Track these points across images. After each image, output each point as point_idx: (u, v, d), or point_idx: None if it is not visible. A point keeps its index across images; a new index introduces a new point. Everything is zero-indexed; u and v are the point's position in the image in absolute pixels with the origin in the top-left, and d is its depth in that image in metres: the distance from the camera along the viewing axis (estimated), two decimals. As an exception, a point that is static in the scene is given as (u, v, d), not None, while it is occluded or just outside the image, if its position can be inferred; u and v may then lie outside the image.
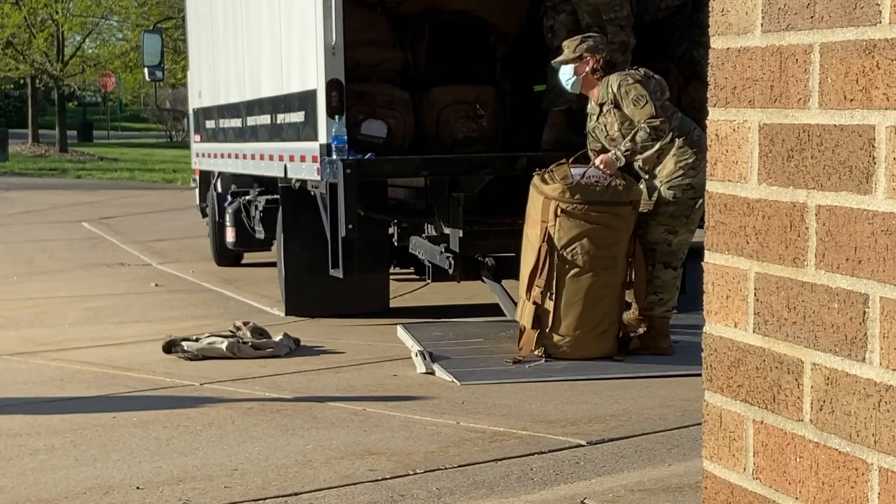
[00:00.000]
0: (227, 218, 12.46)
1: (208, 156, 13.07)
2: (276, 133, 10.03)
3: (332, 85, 8.55)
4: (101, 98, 61.50)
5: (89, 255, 14.92)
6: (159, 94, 36.43)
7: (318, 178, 8.70)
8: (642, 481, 4.96)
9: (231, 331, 8.33)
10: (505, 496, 4.79)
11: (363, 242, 8.90)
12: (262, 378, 7.27)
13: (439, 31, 9.52)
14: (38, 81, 45.86)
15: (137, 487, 4.98)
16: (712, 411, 2.12)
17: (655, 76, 7.59)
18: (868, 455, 1.79)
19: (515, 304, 9.02)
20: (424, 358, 7.39)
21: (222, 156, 12.23)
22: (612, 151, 7.46)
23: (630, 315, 7.70)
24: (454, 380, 6.99)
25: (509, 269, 9.52)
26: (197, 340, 8.03)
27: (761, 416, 2.00)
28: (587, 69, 7.61)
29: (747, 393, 2.02)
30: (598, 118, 7.65)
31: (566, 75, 7.70)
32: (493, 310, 9.22)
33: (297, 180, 9.56)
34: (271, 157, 10.09)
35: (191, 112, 14.26)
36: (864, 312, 1.78)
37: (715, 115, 2.08)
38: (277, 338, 8.14)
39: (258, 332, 8.27)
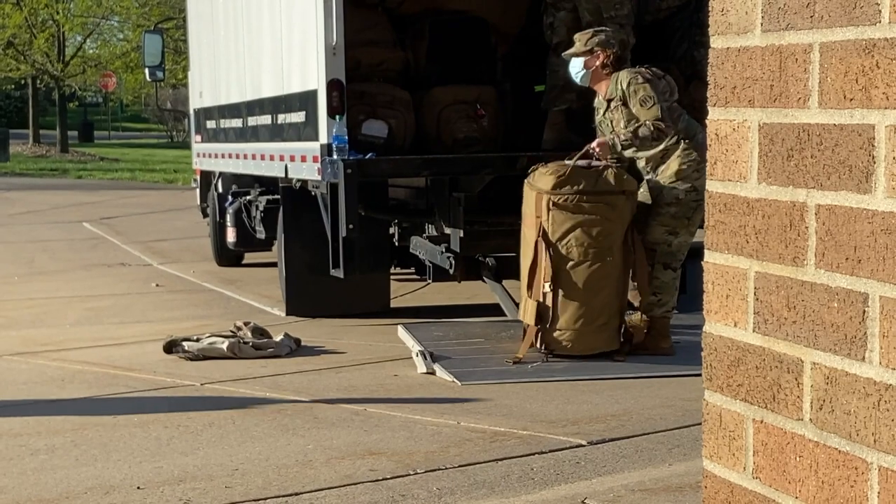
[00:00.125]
0: (228, 218, 12.46)
1: (209, 156, 13.07)
2: (276, 133, 10.03)
3: (332, 85, 8.55)
4: (101, 98, 61.52)
5: (90, 256, 14.93)
6: (160, 95, 36.43)
7: (319, 178, 8.70)
8: (643, 481, 4.96)
9: (232, 331, 8.33)
10: (505, 496, 4.79)
11: (364, 242, 8.90)
12: (262, 378, 7.27)
13: (440, 31, 9.52)
14: (38, 82, 45.88)
15: (138, 487, 4.98)
16: (712, 411, 2.12)
17: (666, 77, 7.58)
18: (868, 454, 1.79)
19: (516, 304, 9.03)
20: (425, 358, 7.39)
21: (223, 156, 12.23)
22: (610, 136, 7.47)
23: (635, 317, 7.71)
24: (455, 380, 6.99)
25: (510, 269, 9.52)
26: (198, 340, 8.03)
27: (761, 416, 2.00)
28: (597, 63, 7.61)
29: (747, 392, 2.03)
30: (604, 113, 7.65)
31: (576, 68, 7.70)
32: (494, 310, 9.22)
33: (298, 180, 9.56)
34: (272, 158, 10.10)
35: (192, 112, 14.27)
36: (864, 312, 1.78)
37: (715, 115, 2.08)
38: (278, 338, 8.14)
39: (259, 332, 8.28)
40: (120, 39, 46.03)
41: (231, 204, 12.46)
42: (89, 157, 41.20)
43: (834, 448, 1.85)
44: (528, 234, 7.49)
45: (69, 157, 41.53)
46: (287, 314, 9.74)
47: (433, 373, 7.22)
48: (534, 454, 5.38)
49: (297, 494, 4.84)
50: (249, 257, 13.32)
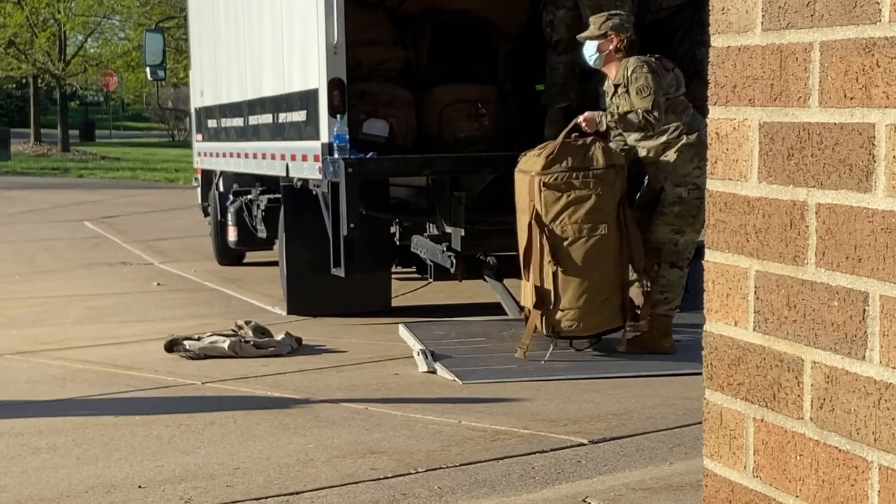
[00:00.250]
0: (229, 217, 12.47)
1: (210, 155, 13.08)
2: (277, 132, 10.04)
3: (333, 84, 8.56)
4: (103, 97, 61.52)
5: (91, 255, 14.93)
6: (161, 94, 36.45)
7: (320, 177, 8.71)
8: (644, 480, 4.96)
9: (233, 330, 8.33)
10: (506, 495, 4.79)
11: (365, 241, 8.90)
12: (263, 377, 7.27)
13: (441, 31, 9.53)
14: (40, 81, 45.89)
15: (139, 486, 4.98)
16: (713, 409, 2.12)
17: (675, 69, 7.57)
18: (868, 453, 1.79)
19: (517, 302, 9.03)
20: (426, 357, 7.39)
21: (224, 155, 12.23)
22: (599, 113, 7.48)
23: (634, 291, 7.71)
24: (456, 379, 6.99)
25: (511, 268, 9.51)
26: (199, 339, 8.04)
27: (762, 415, 2.00)
28: (610, 47, 7.61)
29: (748, 391, 2.03)
30: (611, 97, 7.65)
31: (589, 51, 7.71)
32: (495, 309, 9.22)
33: (299, 179, 9.56)
34: (273, 157, 10.10)
35: (193, 111, 14.27)
36: (864, 310, 1.78)
37: (715, 114, 2.08)
38: (279, 337, 8.14)
39: (260, 331, 8.28)
40: (121, 38, 46.05)
41: (232, 203, 12.46)
42: (90, 156, 41.21)
43: (834, 447, 1.86)
44: (523, 220, 7.51)
45: (70, 156, 41.54)
46: (288, 313, 9.74)
47: (434, 372, 7.22)
48: (535, 453, 5.38)
49: (298, 493, 4.84)
50: (250, 256, 13.33)
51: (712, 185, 2.09)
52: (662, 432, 5.75)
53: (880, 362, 1.76)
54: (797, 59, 1.89)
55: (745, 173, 2.01)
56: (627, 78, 7.45)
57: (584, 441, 5.57)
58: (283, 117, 9.86)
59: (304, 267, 9.65)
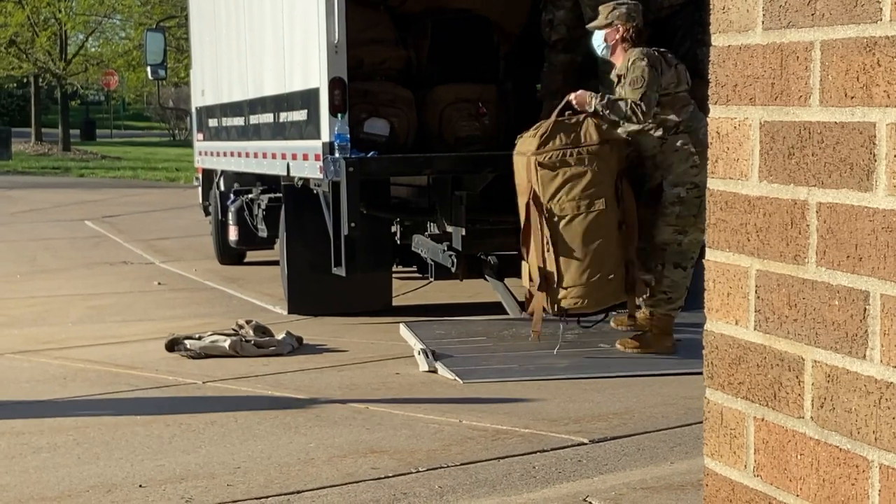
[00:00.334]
0: (230, 216, 12.47)
1: (211, 154, 13.08)
2: (278, 131, 10.04)
3: (334, 83, 8.55)
4: (104, 97, 61.54)
5: (92, 254, 14.93)
6: (162, 93, 36.45)
7: (321, 176, 8.71)
8: (645, 479, 4.96)
9: (234, 329, 8.33)
10: (507, 494, 4.79)
11: (366, 241, 8.90)
12: (264, 376, 7.27)
13: (442, 30, 9.52)
14: (41, 80, 45.89)
15: (140, 485, 4.98)
16: (713, 409, 2.12)
17: (677, 66, 7.53)
18: (869, 452, 1.79)
19: (518, 302, 9.04)
20: (427, 356, 7.39)
21: (225, 154, 12.23)
22: (591, 94, 7.47)
23: (641, 316, 7.71)
24: (457, 378, 6.99)
25: (512, 267, 9.52)
26: (200, 339, 8.04)
27: (762, 414, 2.00)
28: (617, 37, 7.61)
29: (748, 390, 2.03)
30: (616, 88, 7.65)
31: (597, 41, 7.71)
32: (496, 308, 9.22)
33: (300, 179, 9.56)
34: (274, 156, 10.10)
35: (193, 110, 14.27)
36: (865, 309, 1.78)
37: (716, 113, 2.08)
38: (280, 336, 8.14)
39: (261, 330, 8.28)
40: (122, 38, 46.05)
41: (233, 202, 12.46)
42: (91, 156, 41.22)
43: (835, 446, 1.86)
44: (522, 201, 7.54)
45: (71, 155, 41.55)
46: (289, 312, 9.74)
47: (435, 371, 7.22)
48: (536, 452, 5.38)
49: (298, 493, 4.84)
50: (251, 255, 13.33)
51: (713, 183, 2.09)
52: (663, 432, 5.75)
53: (881, 361, 1.76)
54: (798, 58, 1.89)
55: (745, 172, 2.01)
56: (627, 69, 7.46)
57: (585, 440, 5.57)
58: (284, 116, 9.86)
59: (304, 266, 9.65)
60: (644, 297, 7.63)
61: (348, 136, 8.49)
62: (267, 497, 4.80)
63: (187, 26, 15.88)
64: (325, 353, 8.06)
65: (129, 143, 50.70)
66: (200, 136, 13.78)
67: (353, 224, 8.42)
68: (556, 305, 7.42)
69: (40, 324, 9.67)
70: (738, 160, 2.02)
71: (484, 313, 9.21)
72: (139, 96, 52.68)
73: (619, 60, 7.58)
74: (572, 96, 7.49)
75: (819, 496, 1.89)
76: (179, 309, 10.41)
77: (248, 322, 8.44)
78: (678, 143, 7.43)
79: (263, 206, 11.56)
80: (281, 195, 10.35)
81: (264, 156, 10.46)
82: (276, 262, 11.67)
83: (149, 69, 15.82)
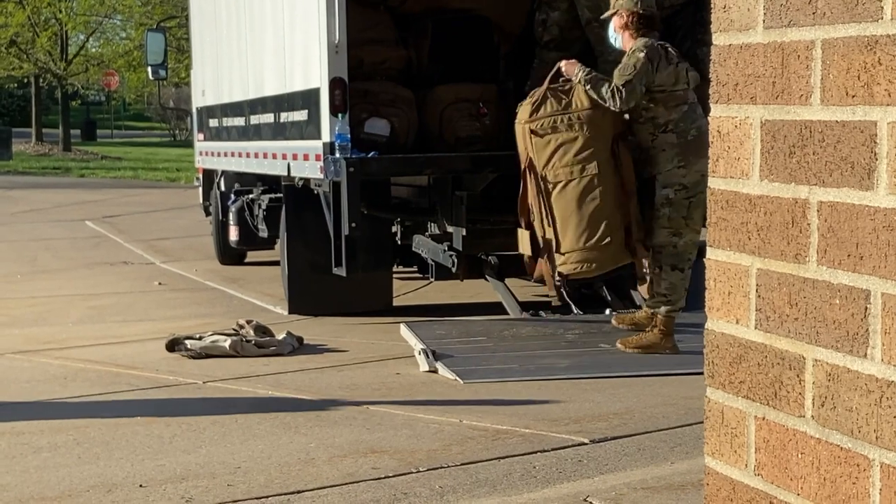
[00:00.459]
0: (231, 216, 12.47)
1: (212, 154, 13.08)
2: (279, 131, 10.04)
3: (335, 83, 8.55)
4: (104, 97, 61.55)
5: (93, 254, 14.94)
6: (163, 93, 36.48)
7: (322, 176, 8.71)
8: (645, 479, 4.96)
9: (234, 329, 8.33)
10: (508, 494, 4.79)
11: (366, 241, 8.90)
12: (265, 376, 7.27)
13: (442, 30, 9.52)
14: (41, 80, 45.90)
15: (140, 485, 4.98)
16: (714, 408, 2.12)
17: (679, 64, 7.49)
18: (870, 451, 1.79)
19: (519, 302, 9.04)
20: (427, 356, 7.39)
21: (226, 154, 12.24)
22: (581, 66, 7.47)
23: (642, 314, 7.71)
24: (457, 378, 6.99)
25: (512, 267, 9.53)
26: (200, 339, 8.04)
27: (763, 413, 2.00)
28: (620, 24, 7.60)
29: (749, 389, 2.02)
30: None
31: (610, 31, 7.71)
32: (497, 308, 9.22)
33: (301, 179, 9.56)
34: (274, 156, 10.10)
35: (194, 111, 14.27)
36: (866, 308, 1.78)
37: (717, 112, 2.08)
38: (280, 336, 8.14)
39: (261, 330, 8.28)
40: (122, 38, 46.06)
41: (233, 202, 12.46)
42: (92, 156, 41.23)
43: (836, 445, 1.85)
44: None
45: (72, 155, 41.56)
46: (289, 312, 9.74)
47: (435, 371, 7.22)
48: (536, 452, 5.37)
49: (299, 492, 4.84)
50: (252, 256, 13.33)
51: (714, 183, 2.09)
52: (664, 431, 5.75)
53: (882, 360, 1.76)
54: (799, 56, 1.89)
55: (746, 171, 2.01)
56: (627, 56, 7.48)
57: (586, 440, 5.56)
58: (284, 116, 9.86)
59: (305, 266, 9.65)
60: (646, 295, 7.65)
61: (349, 136, 8.49)
62: (267, 497, 4.80)
63: (188, 26, 15.89)
64: (326, 353, 8.06)
65: (129, 144, 50.71)
66: (201, 136, 13.79)
67: (353, 224, 8.42)
68: (557, 273, 7.47)
69: (41, 324, 9.67)
70: (739, 159, 2.02)
71: (484, 313, 9.22)
72: (140, 96, 52.71)
73: (627, 48, 7.59)
74: (562, 63, 7.53)
75: (820, 495, 1.89)
76: (180, 309, 10.41)
77: (248, 322, 8.44)
78: (666, 142, 7.42)
79: (264, 207, 11.56)
80: (281, 195, 10.36)
81: (265, 156, 10.46)
82: (276, 263, 11.67)
83: (149, 69, 15.83)
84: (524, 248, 7.64)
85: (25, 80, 48.25)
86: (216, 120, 12.74)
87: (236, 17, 11.40)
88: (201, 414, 6.25)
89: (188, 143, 31.79)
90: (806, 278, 1.89)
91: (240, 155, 11.49)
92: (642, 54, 7.36)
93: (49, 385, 7.13)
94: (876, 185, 1.76)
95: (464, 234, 8.82)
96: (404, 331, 8.32)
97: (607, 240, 7.37)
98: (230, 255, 13.24)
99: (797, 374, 1.92)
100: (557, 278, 7.53)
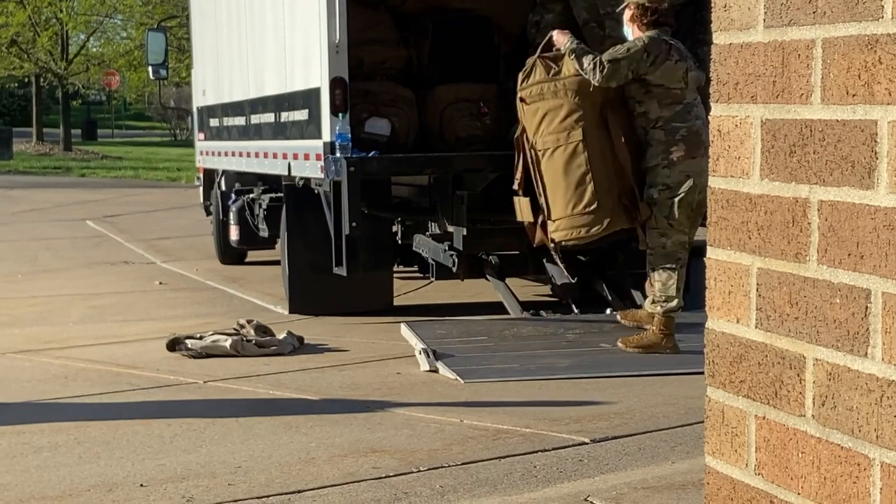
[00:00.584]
0: (231, 216, 12.47)
1: (212, 154, 13.08)
2: (279, 131, 10.04)
3: (335, 83, 8.55)
4: (105, 97, 61.57)
5: (93, 254, 14.94)
6: (163, 93, 36.48)
7: (322, 176, 8.70)
8: (646, 479, 4.95)
9: (235, 329, 8.33)
10: (508, 494, 4.79)
11: (367, 240, 8.90)
12: (265, 376, 7.27)
13: (443, 30, 9.52)
14: (42, 80, 45.92)
15: (141, 485, 4.98)
16: (714, 407, 2.12)
17: (679, 62, 7.46)
18: (870, 450, 1.79)
19: (519, 302, 9.04)
20: (428, 356, 7.39)
21: (226, 154, 12.24)
22: (572, 37, 7.50)
23: (643, 313, 7.71)
24: (458, 377, 6.99)
25: (513, 267, 9.53)
26: (201, 338, 8.04)
27: (763, 412, 2.00)
28: (628, 16, 7.62)
29: (749, 388, 2.02)
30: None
31: (624, 25, 7.73)
32: (497, 308, 9.22)
33: (301, 178, 9.56)
34: (275, 155, 10.10)
35: (195, 110, 14.27)
36: (866, 308, 1.78)
37: (717, 111, 2.08)
38: (281, 336, 8.14)
39: (262, 330, 8.27)
40: (123, 38, 46.08)
41: (234, 202, 12.46)
42: (92, 156, 41.23)
43: (836, 444, 1.85)
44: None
45: (72, 155, 41.56)
46: (290, 312, 9.74)
47: (436, 371, 7.22)
48: (537, 452, 5.37)
49: (299, 492, 4.84)
50: (252, 255, 13.33)
51: (714, 182, 2.09)
52: (664, 431, 5.74)
53: (882, 359, 1.76)
54: (799, 56, 1.89)
55: (747, 170, 2.01)
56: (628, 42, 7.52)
57: (586, 440, 5.56)
58: (285, 116, 9.86)
59: (305, 266, 9.65)
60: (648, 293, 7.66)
61: (349, 135, 8.49)
62: (268, 496, 4.80)
63: (188, 26, 15.90)
64: (327, 352, 8.06)
65: (130, 143, 50.72)
66: (202, 135, 13.79)
67: (354, 224, 8.42)
68: (551, 240, 7.54)
69: (41, 323, 9.67)
70: (740, 158, 2.02)
71: (485, 313, 9.21)
72: (140, 96, 52.71)
73: None
74: (555, 33, 7.57)
75: (820, 494, 1.89)
76: (180, 308, 10.41)
77: (249, 322, 8.44)
78: (654, 138, 7.42)
79: (264, 206, 11.56)
80: (282, 195, 10.36)
81: (265, 155, 10.46)
82: (277, 262, 11.67)
83: (150, 69, 15.83)
84: (524, 215, 7.70)
85: (26, 80, 48.28)
86: (217, 119, 12.74)
87: (237, 17, 11.40)
88: (202, 413, 6.26)
89: (189, 143, 31.80)
90: (806, 277, 1.89)
91: (240, 154, 11.49)
92: (641, 43, 7.38)
93: (50, 385, 7.13)
94: (876, 184, 1.76)
95: (464, 233, 8.82)
96: (405, 330, 8.32)
97: (594, 205, 7.40)
98: (231, 255, 13.24)
99: (798, 373, 1.92)
100: (552, 245, 7.60)
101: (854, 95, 1.79)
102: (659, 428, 5.81)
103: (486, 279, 9.41)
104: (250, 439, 5.70)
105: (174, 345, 7.98)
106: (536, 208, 7.63)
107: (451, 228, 9.05)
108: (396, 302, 9.87)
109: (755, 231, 1.99)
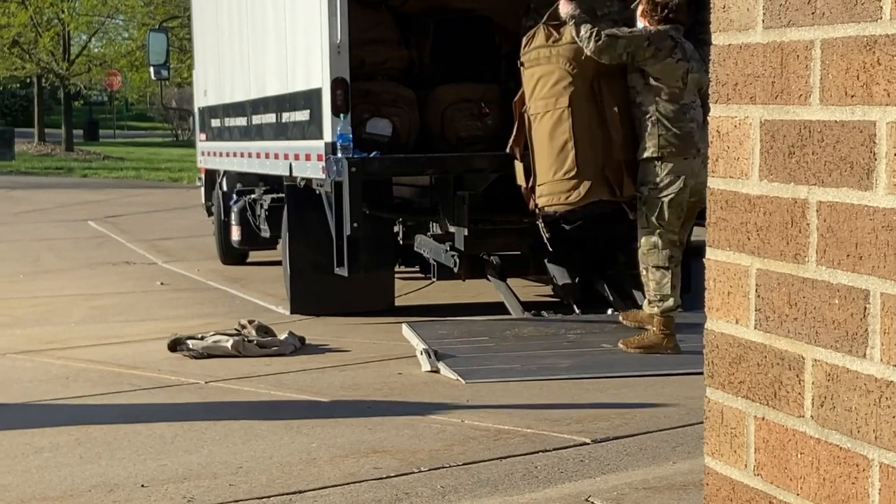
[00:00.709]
0: (233, 216, 12.47)
1: (214, 154, 13.08)
2: (281, 131, 10.04)
3: (337, 83, 8.56)
4: (106, 97, 61.59)
5: (95, 254, 14.94)
6: (165, 93, 36.50)
7: (324, 176, 8.71)
8: (647, 479, 4.96)
9: (236, 329, 8.33)
10: (509, 494, 4.79)
11: (368, 241, 8.89)
12: (267, 376, 7.27)
13: (444, 30, 9.52)
14: (44, 80, 45.94)
15: (142, 485, 4.98)
16: (714, 408, 2.12)
17: (681, 61, 7.44)
18: (869, 451, 1.79)
19: (521, 302, 9.04)
20: (429, 356, 7.39)
21: (228, 154, 12.24)
22: (574, 5, 7.51)
23: (644, 313, 7.71)
24: (459, 378, 6.99)
25: (514, 267, 9.53)
26: (202, 339, 8.04)
27: (762, 413, 2.00)
28: (640, 13, 7.62)
29: (749, 389, 2.03)
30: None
31: (637, 19, 7.73)
32: (498, 308, 9.22)
33: (303, 179, 9.56)
34: (276, 156, 10.10)
35: (196, 111, 14.28)
36: (865, 308, 1.78)
37: (716, 112, 2.08)
38: (282, 336, 8.14)
39: (263, 330, 8.28)
40: (125, 38, 46.11)
41: (236, 202, 12.46)
42: (94, 156, 41.25)
43: (835, 445, 1.85)
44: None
45: (74, 155, 41.58)
46: (291, 312, 9.74)
47: (437, 371, 7.22)
48: (538, 452, 5.37)
49: (300, 492, 4.84)
50: (254, 256, 13.33)
51: (713, 182, 2.09)
52: (665, 431, 5.74)
53: (881, 360, 1.76)
54: (798, 56, 1.89)
55: (746, 171, 2.01)
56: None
57: (587, 440, 5.56)
58: (286, 117, 9.86)
59: (307, 266, 9.65)
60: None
61: (351, 136, 8.49)
62: (269, 497, 4.80)
63: (190, 27, 15.90)
64: (328, 353, 8.06)
65: (132, 144, 50.74)
66: (203, 136, 13.79)
67: (355, 224, 8.42)
68: (536, 204, 7.61)
69: (43, 324, 9.68)
70: (739, 159, 2.02)
71: (486, 313, 9.21)
72: (142, 97, 52.74)
73: None
74: (561, 1, 7.59)
75: (819, 495, 1.89)
76: (182, 309, 10.41)
77: (250, 322, 8.44)
78: (647, 131, 7.42)
79: (266, 207, 11.56)
80: (283, 195, 10.36)
81: (267, 156, 10.46)
82: (278, 263, 11.67)
83: (151, 69, 15.84)
84: (519, 178, 7.81)
85: (28, 81, 48.29)
86: (218, 120, 12.74)
87: (238, 18, 11.40)
88: (203, 414, 6.26)
89: (190, 144, 31.81)
90: (805, 278, 1.89)
91: (242, 155, 11.50)
92: (645, 32, 7.40)
93: (51, 385, 7.14)
94: (875, 185, 1.76)
95: (466, 233, 8.82)
96: (406, 331, 8.32)
97: (573, 172, 7.42)
98: (232, 255, 13.25)
99: (797, 374, 1.92)
100: (537, 211, 7.66)
101: (853, 96, 1.79)
102: (660, 428, 5.81)
103: (488, 279, 9.41)
104: (251, 440, 5.70)
105: (175, 345, 7.99)
106: (530, 173, 7.71)
107: (452, 229, 9.05)
108: (398, 302, 9.87)
109: (754, 232, 1.99)
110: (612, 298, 9.03)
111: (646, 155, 7.40)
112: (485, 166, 8.91)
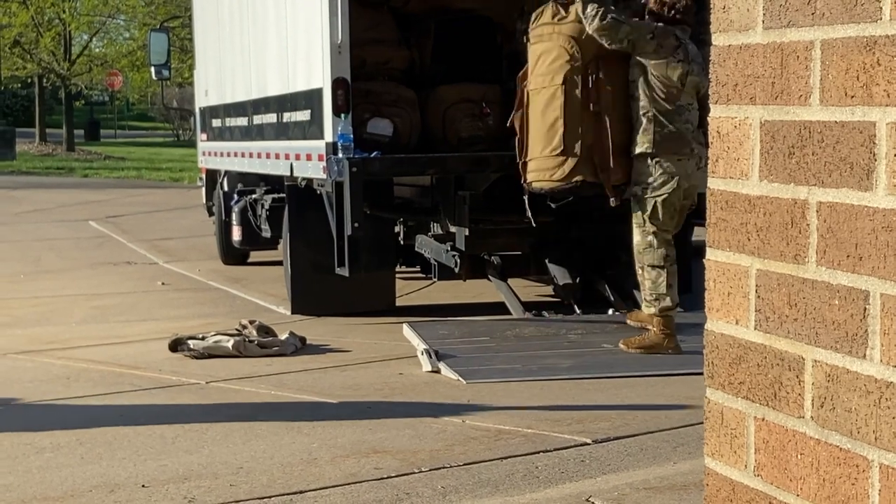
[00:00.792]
0: (234, 216, 12.47)
1: (215, 154, 13.09)
2: (282, 131, 10.04)
3: (338, 83, 8.56)
4: (108, 97, 61.59)
5: (96, 254, 14.94)
6: (166, 93, 36.48)
7: (324, 176, 8.71)
8: (648, 479, 4.96)
9: (237, 329, 8.33)
10: (510, 494, 4.79)
11: (369, 241, 8.90)
12: (267, 376, 7.27)
13: (445, 30, 9.53)
14: (45, 80, 45.93)
15: (143, 485, 4.98)
16: (714, 408, 2.12)
17: (681, 62, 7.44)
18: (869, 452, 1.79)
19: (521, 302, 9.04)
20: (430, 356, 7.39)
21: (229, 154, 12.24)
22: None
23: (645, 314, 7.71)
24: (460, 378, 6.99)
25: (515, 267, 9.53)
26: (203, 339, 8.04)
27: (762, 413, 2.00)
28: (647, 11, 7.63)
29: (748, 390, 2.02)
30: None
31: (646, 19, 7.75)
32: (499, 308, 9.22)
33: (304, 179, 9.56)
34: (277, 156, 10.10)
35: (197, 111, 14.28)
36: (865, 309, 1.78)
37: (717, 112, 2.08)
38: (283, 336, 8.14)
39: (264, 330, 8.28)
40: (126, 38, 46.11)
41: (237, 202, 12.46)
42: (95, 156, 41.23)
43: (835, 445, 1.85)
44: None
45: (75, 155, 41.56)
46: (292, 312, 9.74)
47: (438, 371, 7.22)
48: (538, 452, 5.37)
49: (301, 493, 4.84)
50: (255, 256, 13.33)
51: (713, 183, 2.09)
52: (666, 432, 5.74)
53: (881, 361, 1.76)
54: (798, 57, 1.89)
55: (746, 172, 2.01)
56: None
57: (588, 440, 5.56)
58: (287, 117, 9.87)
59: (308, 266, 9.65)
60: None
61: (352, 136, 8.50)
62: (270, 497, 4.80)
63: (191, 26, 15.90)
64: (329, 353, 8.06)
65: (133, 144, 50.73)
66: (204, 136, 13.80)
67: (356, 224, 8.42)
68: (525, 181, 7.69)
69: (44, 324, 9.68)
70: (739, 160, 2.02)
71: (487, 313, 9.21)
72: (143, 97, 52.75)
73: None
74: None
75: (819, 496, 1.89)
76: (183, 309, 10.41)
77: (251, 322, 8.44)
78: (642, 127, 7.42)
79: (267, 207, 11.56)
80: (284, 195, 10.36)
81: (268, 156, 10.47)
82: (279, 263, 11.66)
83: (152, 69, 15.85)
84: (520, 154, 7.80)
85: (29, 80, 48.31)
86: (219, 120, 12.75)
87: (239, 18, 11.40)
88: (204, 414, 6.26)
89: (191, 144, 31.82)
90: (805, 279, 1.89)
91: (243, 155, 11.50)
92: (652, 27, 7.41)
93: (52, 385, 7.14)
94: (875, 185, 1.76)
95: (466, 234, 8.82)
96: (407, 331, 8.32)
97: (560, 150, 7.45)
98: (233, 256, 13.25)
99: (797, 374, 1.92)
100: (525, 185, 7.73)
101: (853, 97, 1.79)
102: (661, 428, 5.81)
103: (489, 279, 9.41)
104: (252, 440, 5.70)
105: (176, 345, 7.99)
106: (524, 148, 7.76)
107: (453, 229, 9.06)
108: (398, 302, 9.87)
109: (754, 232, 1.99)
110: (612, 298, 9.03)
111: (639, 150, 7.40)
112: (485, 166, 8.91)
